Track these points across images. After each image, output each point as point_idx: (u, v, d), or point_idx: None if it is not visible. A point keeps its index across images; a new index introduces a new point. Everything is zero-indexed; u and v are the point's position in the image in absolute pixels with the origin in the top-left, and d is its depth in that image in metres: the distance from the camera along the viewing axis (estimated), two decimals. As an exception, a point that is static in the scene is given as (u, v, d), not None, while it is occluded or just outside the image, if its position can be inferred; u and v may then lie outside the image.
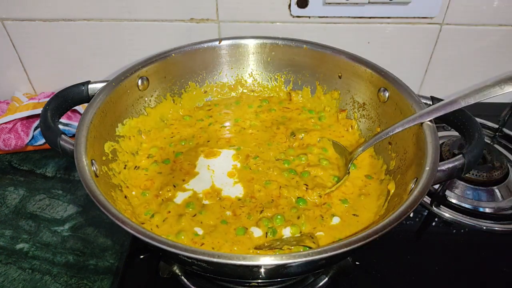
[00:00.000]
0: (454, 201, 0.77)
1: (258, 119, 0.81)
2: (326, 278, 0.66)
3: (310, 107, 0.84)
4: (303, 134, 0.75)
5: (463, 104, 0.59)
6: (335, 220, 0.63)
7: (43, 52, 0.95)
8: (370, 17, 0.89)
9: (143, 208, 0.64)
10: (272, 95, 0.87)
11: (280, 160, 0.72)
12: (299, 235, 0.60)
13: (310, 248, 0.58)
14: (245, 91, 0.88)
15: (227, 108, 0.84)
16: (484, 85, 0.60)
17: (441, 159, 0.58)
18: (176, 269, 0.66)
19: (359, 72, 0.75)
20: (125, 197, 0.64)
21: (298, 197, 0.65)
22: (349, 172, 0.68)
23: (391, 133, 0.64)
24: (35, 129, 0.91)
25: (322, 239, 0.60)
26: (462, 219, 0.75)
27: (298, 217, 0.62)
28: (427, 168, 0.55)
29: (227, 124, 0.81)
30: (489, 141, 0.91)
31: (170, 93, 0.81)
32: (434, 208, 0.77)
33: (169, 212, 0.63)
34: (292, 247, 0.58)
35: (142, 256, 0.69)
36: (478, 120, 0.63)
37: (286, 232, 0.61)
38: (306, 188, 0.66)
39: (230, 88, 0.87)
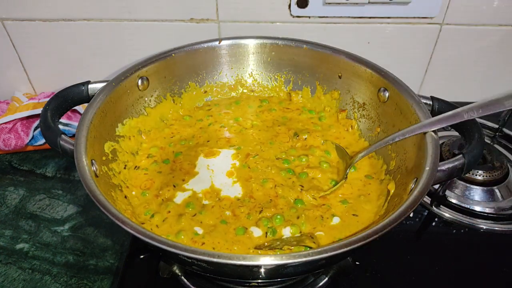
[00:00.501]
0: (454, 201, 0.77)
1: (258, 119, 0.81)
2: (326, 278, 0.66)
3: (310, 107, 0.84)
4: (306, 135, 0.75)
5: (466, 117, 0.58)
6: (335, 220, 0.63)
7: (43, 52, 0.95)
8: (370, 17, 0.89)
9: (143, 208, 0.64)
10: (272, 95, 0.87)
11: (280, 159, 0.72)
12: (299, 235, 0.60)
13: (310, 248, 0.58)
14: (245, 91, 0.88)
15: (227, 108, 0.84)
16: (488, 100, 0.59)
17: (441, 159, 0.58)
18: (176, 269, 0.66)
19: (359, 72, 0.75)
20: (125, 197, 0.64)
21: (296, 198, 0.65)
22: (346, 177, 0.68)
23: (391, 142, 0.64)
24: (35, 129, 0.91)
25: (322, 239, 0.60)
26: (462, 219, 0.75)
27: (298, 217, 0.62)
28: (427, 168, 0.55)
29: (227, 124, 0.81)
30: (489, 141, 0.91)
31: (170, 93, 0.81)
32: (434, 208, 0.77)
33: (169, 212, 0.63)
34: (292, 247, 0.58)
35: (142, 256, 0.69)
36: (478, 120, 0.63)
37: (286, 232, 0.61)
38: (301, 189, 0.66)
39: (230, 88, 0.87)
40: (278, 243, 0.58)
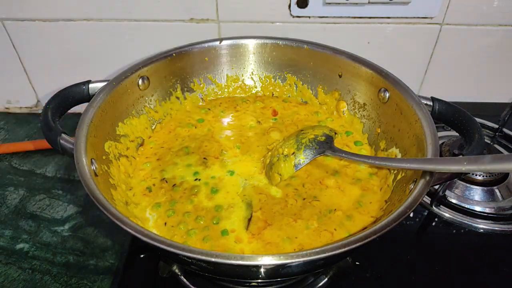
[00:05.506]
0: (454, 201, 0.77)
1: (259, 120, 0.81)
2: (326, 278, 0.66)
3: (311, 106, 0.84)
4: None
5: (464, 170, 0.52)
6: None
7: (43, 52, 0.95)
8: (370, 17, 0.89)
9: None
10: (273, 95, 0.87)
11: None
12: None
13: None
14: (246, 91, 0.87)
15: (227, 108, 0.84)
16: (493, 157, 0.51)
17: (441, 159, 0.58)
18: (176, 269, 0.66)
19: (360, 72, 0.75)
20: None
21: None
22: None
23: (386, 164, 0.65)
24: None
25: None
26: (462, 219, 0.75)
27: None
28: (427, 168, 0.55)
29: (228, 124, 0.81)
30: (489, 141, 0.91)
31: (171, 93, 0.81)
32: (434, 208, 0.77)
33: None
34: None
35: (142, 256, 0.70)
36: (478, 120, 0.64)
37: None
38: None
39: (231, 88, 0.87)
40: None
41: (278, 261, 0.45)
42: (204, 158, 0.72)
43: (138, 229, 0.48)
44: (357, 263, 0.67)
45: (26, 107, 1.06)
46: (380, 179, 0.68)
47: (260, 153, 0.74)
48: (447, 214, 0.76)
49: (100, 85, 0.69)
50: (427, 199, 0.78)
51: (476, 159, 0.50)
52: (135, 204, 0.65)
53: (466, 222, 0.75)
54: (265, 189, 0.67)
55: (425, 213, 0.77)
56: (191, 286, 0.66)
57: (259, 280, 0.63)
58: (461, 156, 0.53)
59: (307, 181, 0.68)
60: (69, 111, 0.68)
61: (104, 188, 0.58)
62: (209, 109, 0.84)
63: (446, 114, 0.65)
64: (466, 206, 0.76)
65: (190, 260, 0.48)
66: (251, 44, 0.83)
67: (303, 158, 0.67)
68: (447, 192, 0.78)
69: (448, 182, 0.78)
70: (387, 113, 0.72)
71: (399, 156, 0.67)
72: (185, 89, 0.83)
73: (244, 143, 0.76)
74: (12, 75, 0.99)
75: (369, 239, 0.47)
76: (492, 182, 0.78)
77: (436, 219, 0.76)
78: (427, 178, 0.54)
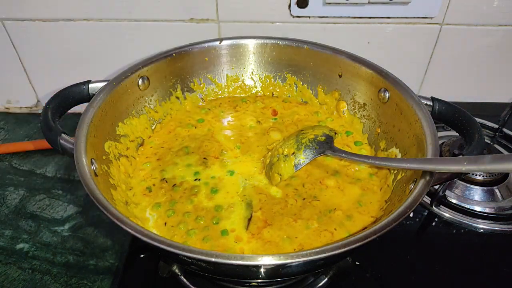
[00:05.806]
0: (454, 201, 0.77)
1: (259, 119, 0.81)
2: (326, 278, 0.66)
3: (311, 106, 0.84)
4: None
5: (464, 170, 0.52)
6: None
7: (43, 52, 0.95)
8: (370, 17, 0.89)
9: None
10: (273, 95, 0.87)
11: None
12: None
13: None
14: (246, 91, 0.87)
15: (227, 108, 0.84)
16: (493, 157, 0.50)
17: (441, 159, 0.58)
18: (176, 269, 0.66)
19: (360, 72, 0.75)
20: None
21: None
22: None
23: (387, 164, 0.65)
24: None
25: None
26: (462, 219, 0.75)
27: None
28: (427, 168, 0.55)
29: (228, 124, 0.81)
30: (489, 141, 0.91)
31: (171, 93, 0.81)
32: (434, 208, 0.77)
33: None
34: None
35: (142, 256, 0.69)
36: (478, 120, 0.64)
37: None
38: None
39: (231, 88, 0.87)
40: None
41: (278, 261, 0.45)
42: (204, 158, 0.72)
43: (138, 229, 0.48)
44: (357, 263, 0.67)
45: (26, 107, 1.06)
46: (380, 179, 0.68)
47: (260, 153, 0.74)
48: (447, 214, 0.76)
49: (100, 85, 0.69)
50: (427, 199, 0.78)
51: (476, 159, 0.50)
52: (135, 204, 0.65)
53: (466, 222, 0.75)
54: (265, 189, 0.67)
55: (425, 213, 0.77)
56: (191, 286, 0.66)
57: (259, 280, 0.63)
58: (461, 156, 0.53)
59: (307, 181, 0.68)
60: (69, 111, 0.68)
61: (104, 188, 0.58)
62: (209, 109, 0.84)
63: (446, 114, 0.66)
64: (466, 206, 0.76)
65: (190, 260, 0.48)
66: (251, 44, 0.83)
67: (303, 158, 0.67)
68: (447, 192, 0.78)
69: (448, 182, 0.78)
70: (387, 113, 0.72)
71: (399, 156, 0.67)
72: (185, 89, 0.83)
73: (244, 143, 0.76)
74: (12, 75, 0.99)
75: (369, 239, 0.47)
76: (492, 182, 0.78)
77: (436, 219, 0.76)
78: (427, 178, 0.54)
